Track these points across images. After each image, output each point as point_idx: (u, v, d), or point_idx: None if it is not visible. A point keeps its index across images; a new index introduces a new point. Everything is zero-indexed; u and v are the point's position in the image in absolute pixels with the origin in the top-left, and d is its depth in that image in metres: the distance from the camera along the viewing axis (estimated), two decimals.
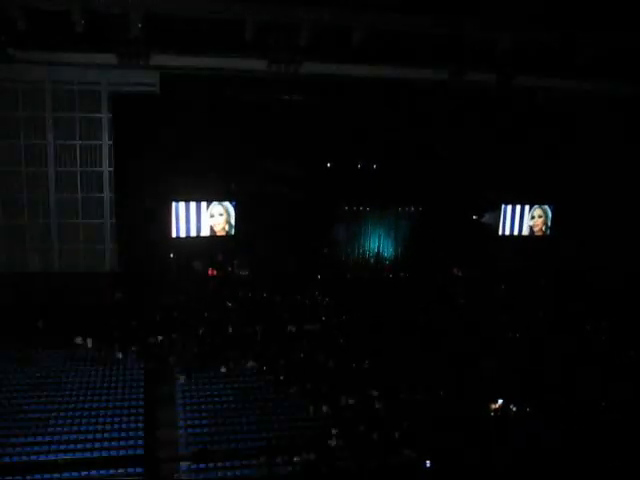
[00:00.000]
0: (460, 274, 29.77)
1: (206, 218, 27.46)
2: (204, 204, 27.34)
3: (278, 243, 28.26)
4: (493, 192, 29.33)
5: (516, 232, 30.52)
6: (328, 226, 30.01)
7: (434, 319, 25.26)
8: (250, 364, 22.04)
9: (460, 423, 18.51)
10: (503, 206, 30.07)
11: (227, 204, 27.73)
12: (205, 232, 27.64)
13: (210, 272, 28.17)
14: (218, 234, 27.83)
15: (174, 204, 26.78)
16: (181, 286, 26.86)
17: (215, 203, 27.44)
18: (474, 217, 30.43)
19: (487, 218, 30.24)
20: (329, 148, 27.42)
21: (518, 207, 30.34)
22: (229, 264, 28.68)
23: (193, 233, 27.41)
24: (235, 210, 27.79)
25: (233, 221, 27.87)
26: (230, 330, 24.55)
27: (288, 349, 23.08)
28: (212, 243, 28.00)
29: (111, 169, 24.52)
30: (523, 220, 30.61)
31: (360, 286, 28.42)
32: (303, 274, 28.54)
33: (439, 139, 27.29)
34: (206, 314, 25.34)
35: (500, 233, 30.24)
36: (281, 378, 21.23)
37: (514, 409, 18.78)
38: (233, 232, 28.03)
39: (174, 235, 27.02)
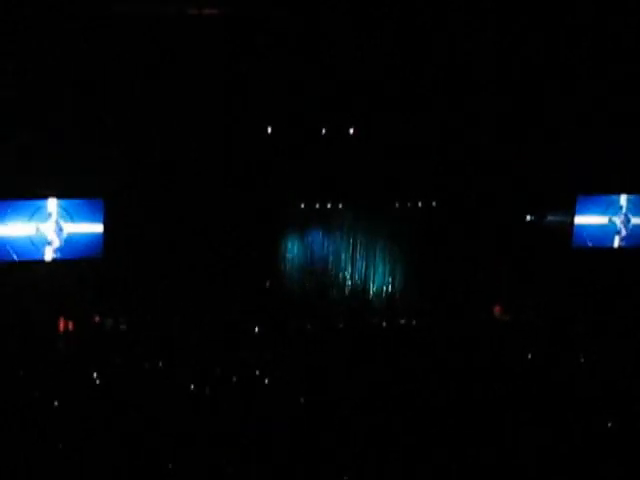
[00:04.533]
0: (507, 318, 19.06)
1: (50, 228, 17.06)
2: (48, 204, 16.94)
3: (182, 273, 18.00)
4: (561, 175, 18.77)
5: (612, 243, 19.67)
6: (271, 240, 19.16)
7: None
8: None
9: None
10: (580, 199, 19.23)
11: (87, 203, 17.35)
12: (49, 254, 17.19)
13: (62, 325, 17.63)
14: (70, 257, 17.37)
15: None
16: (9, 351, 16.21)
17: (61, 203, 17.10)
18: (528, 218, 19.59)
19: (552, 219, 19.58)
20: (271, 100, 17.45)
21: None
22: (95, 310, 17.98)
23: (28, 256, 17.03)
24: (105, 216, 17.29)
25: (99, 235, 17.31)
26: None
27: None
28: (63, 273, 17.50)
29: None
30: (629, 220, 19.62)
31: (331, 346, 17.58)
32: (227, 327, 17.86)
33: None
34: (56, 404, 14.48)
35: (576, 244, 19.41)
36: None
37: None
38: (101, 254, 17.49)
39: None
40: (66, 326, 17.48)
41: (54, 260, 17.15)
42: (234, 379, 15.55)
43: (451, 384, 15.14)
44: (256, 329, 17.69)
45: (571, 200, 19.05)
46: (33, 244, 16.91)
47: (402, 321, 18.78)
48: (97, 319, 17.81)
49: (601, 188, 18.97)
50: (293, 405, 14.45)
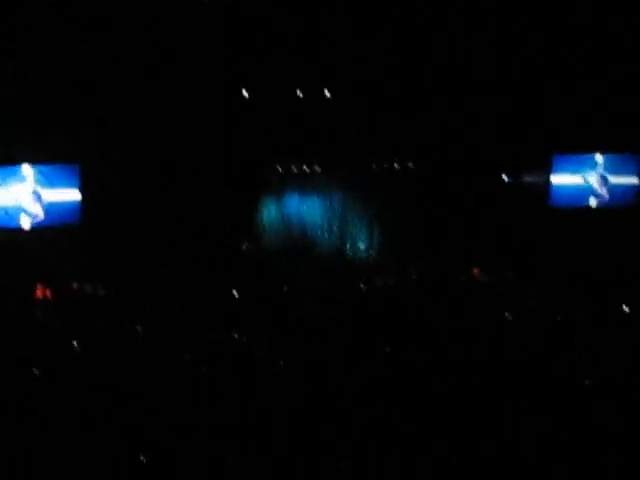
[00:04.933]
0: (486, 279, 18.64)
1: (25, 195, 16.70)
2: (23, 170, 16.58)
3: (159, 237, 17.84)
4: (537, 134, 18.49)
5: (589, 202, 19.50)
6: (247, 203, 19.09)
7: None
8: None
9: None
10: (555, 158, 19.13)
11: (63, 169, 17.04)
12: (26, 222, 16.89)
13: (40, 292, 17.18)
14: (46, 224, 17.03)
15: None
16: None
17: (39, 169, 16.73)
18: (504, 178, 19.55)
19: (528, 179, 19.57)
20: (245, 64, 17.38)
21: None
22: (73, 277, 17.54)
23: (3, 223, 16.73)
24: (80, 181, 17.02)
25: (77, 201, 17.04)
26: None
27: None
28: (40, 241, 17.17)
29: None
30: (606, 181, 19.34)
31: (309, 309, 16.93)
32: (205, 290, 17.37)
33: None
34: (35, 371, 14.45)
35: (552, 204, 19.38)
36: None
37: None
38: (77, 220, 17.28)
39: None
40: (44, 294, 17.14)
41: (31, 228, 16.97)
42: (214, 341, 15.52)
43: (432, 348, 15.05)
44: (234, 293, 17.65)
45: (547, 159, 18.96)
46: (7, 212, 16.70)
47: (380, 283, 18.64)
48: (75, 286, 17.49)
49: (577, 147, 18.89)
50: (272, 369, 14.43)
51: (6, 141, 16.14)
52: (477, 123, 18.16)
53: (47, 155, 16.77)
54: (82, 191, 17.00)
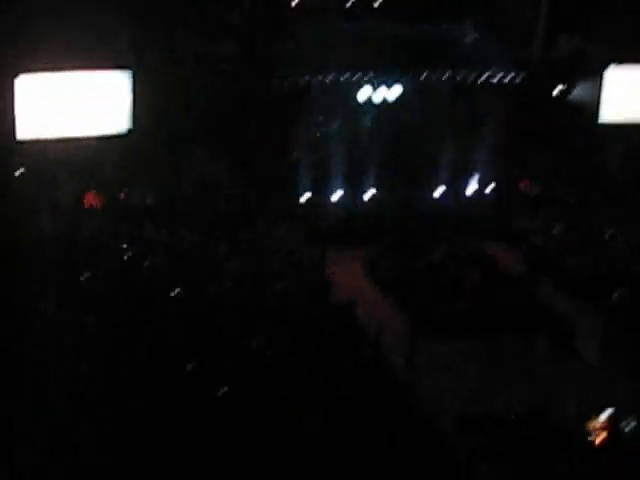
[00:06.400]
0: (532, 192, 18.87)
1: (77, 103, 16.51)
2: (74, 77, 16.36)
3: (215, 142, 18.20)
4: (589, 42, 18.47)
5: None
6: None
7: None
8: None
9: None
10: (611, 68, 18.42)
11: (117, 76, 16.77)
12: (76, 131, 16.72)
13: (89, 201, 17.39)
14: (98, 132, 16.81)
15: (19, 81, 15.88)
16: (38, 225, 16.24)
17: (93, 75, 16.50)
18: (557, 91, 18.97)
19: (578, 93, 18.90)
20: None
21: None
22: (122, 186, 17.77)
23: (55, 132, 16.54)
24: (132, 87, 16.82)
25: (128, 109, 16.88)
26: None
27: None
28: (91, 150, 16.99)
29: None
30: None
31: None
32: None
33: None
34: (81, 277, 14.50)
35: (603, 119, 18.67)
36: None
37: None
38: (127, 128, 17.09)
39: (20, 136, 16.24)
40: (92, 201, 17.38)
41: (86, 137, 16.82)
42: None
43: None
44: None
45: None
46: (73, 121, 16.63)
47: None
48: (122, 195, 17.74)
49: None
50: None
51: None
52: None
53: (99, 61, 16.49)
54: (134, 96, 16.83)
